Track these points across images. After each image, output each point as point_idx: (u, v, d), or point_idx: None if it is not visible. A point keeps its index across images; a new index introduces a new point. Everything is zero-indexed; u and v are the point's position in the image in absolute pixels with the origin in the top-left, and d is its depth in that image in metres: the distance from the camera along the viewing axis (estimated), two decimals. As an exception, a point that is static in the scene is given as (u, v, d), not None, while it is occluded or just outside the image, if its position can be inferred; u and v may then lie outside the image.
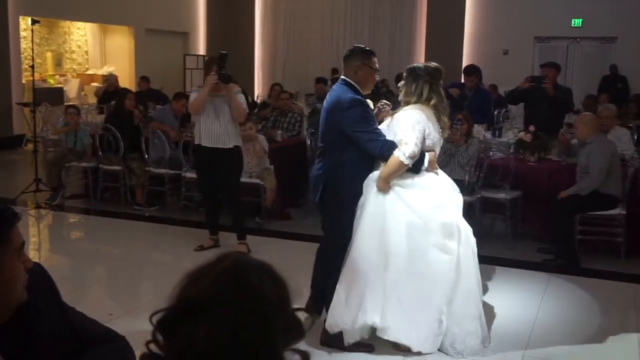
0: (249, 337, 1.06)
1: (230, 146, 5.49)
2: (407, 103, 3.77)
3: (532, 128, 6.50)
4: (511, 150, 6.45)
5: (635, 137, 8.55)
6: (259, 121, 8.20)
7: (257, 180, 6.69)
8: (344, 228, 3.77)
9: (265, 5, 17.43)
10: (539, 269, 5.47)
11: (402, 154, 3.58)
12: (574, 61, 14.80)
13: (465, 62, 13.96)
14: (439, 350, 3.68)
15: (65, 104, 11.25)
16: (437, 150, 3.83)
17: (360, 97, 3.81)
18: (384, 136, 3.74)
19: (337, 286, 3.76)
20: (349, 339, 3.73)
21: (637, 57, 13.83)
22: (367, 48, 4.01)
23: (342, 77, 3.93)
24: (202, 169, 5.71)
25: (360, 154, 3.78)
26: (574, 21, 14.46)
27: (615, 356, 3.94)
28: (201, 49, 16.81)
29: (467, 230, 3.75)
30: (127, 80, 13.97)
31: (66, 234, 7.12)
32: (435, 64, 3.84)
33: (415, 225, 3.60)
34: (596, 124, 5.72)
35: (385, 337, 3.63)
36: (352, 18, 16.55)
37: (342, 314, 3.71)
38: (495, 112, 9.48)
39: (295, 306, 1.18)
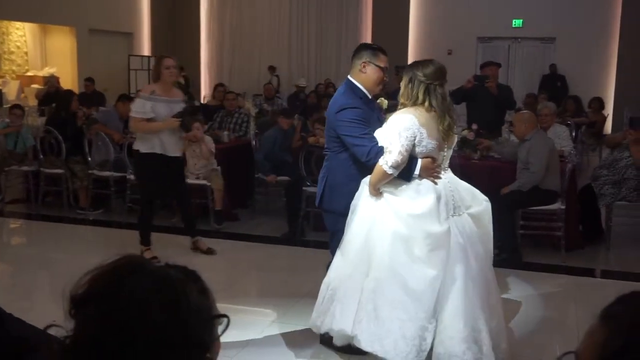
0: (109, 342, 1.03)
1: (181, 153, 5.60)
2: (404, 105, 3.54)
3: (474, 126, 6.64)
4: (455, 148, 6.57)
5: (574, 134, 8.85)
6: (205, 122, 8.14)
7: (204, 182, 6.65)
8: (340, 233, 3.67)
9: (211, 5, 17.30)
10: (483, 264, 5.59)
11: (385, 163, 3.38)
12: (515, 61, 15.20)
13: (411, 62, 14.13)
14: None
15: (6, 106, 10.92)
16: (439, 156, 3.53)
17: (351, 101, 3.66)
18: (375, 141, 3.54)
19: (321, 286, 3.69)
20: (337, 342, 3.67)
21: (576, 57, 14.30)
22: (375, 45, 3.84)
23: (347, 77, 3.81)
24: (158, 178, 5.48)
25: (355, 157, 3.66)
26: (515, 22, 14.85)
27: (557, 345, 4.06)
28: (146, 50, 16.57)
29: (476, 247, 3.48)
30: (69, 81, 13.66)
31: (7, 240, 6.92)
32: (436, 63, 3.54)
33: (400, 235, 3.38)
34: (533, 121, 5.89)
35: (359, 346, 3.47)
36: (298, 19, 16.59)
37: (315, 315, 3.68)
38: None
39: (217, 314, 1.14)
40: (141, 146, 5.33)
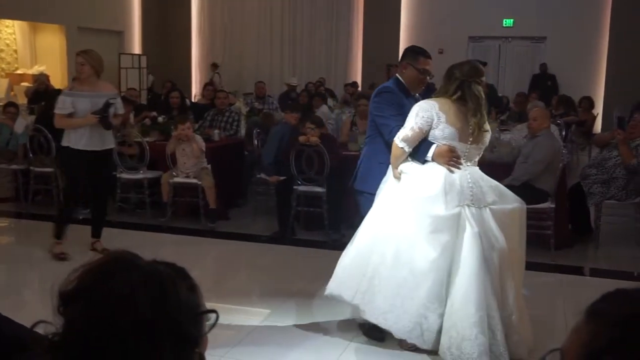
0: (97, 338, 1.03)
1: (113, 145, 5.62)
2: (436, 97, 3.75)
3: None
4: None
5: (564, 133, 8.90)
6: (196, 120, 8.13)
7: (195, 181, 6.64)
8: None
9: (202, 4, 17.26)
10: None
11: (397, 137, 3.63)
12: (506, 60, 15.26)
13: (401, 61, 14.18)
14: (438, 354, 3.55)
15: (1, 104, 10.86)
16: (462, 147, 3.62)
17: (389, 87, 4.00)
18: (401, 123, 3.71)
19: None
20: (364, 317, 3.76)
21: (566, 56, 14.37)
22: (419, 49, 4.14)
23: (396, 74, 4.14)
24: (78, 172, 5.47)
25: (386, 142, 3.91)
26: (505, 21, 14.90)
27: (545, 344, 4.08)
28: (136, 48, 16.52)
29: (494, 240, 3.51)
30: (58, 80, 13.60)
31: (-4, 239, 6.88)
32: (473, 62, 3.81)
33: (406, 215, 3.55)
34: (549, 118, 6.15)
35: (363, 317, 3.68)
36: (289, 18, 16.58)
37: (331, 281, 3.83)
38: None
39: (204, 309, 1.15)
40: (65, 141, 5.42)
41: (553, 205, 5.73)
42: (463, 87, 3.58)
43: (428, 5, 15.26)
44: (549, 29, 14.51)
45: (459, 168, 3.59)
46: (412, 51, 4.11)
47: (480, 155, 3.80)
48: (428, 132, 3.60)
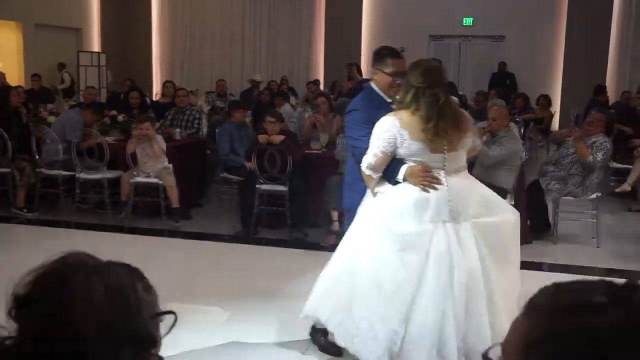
0: (57, 342, 1.02)
1: None
2: (398, 108, 3.47)
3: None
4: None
5: (522, 131, 9.06)
6: (157, 119, 8.04)
7: (156, 180, 6.57)
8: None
9: (162, 0, 17.06)
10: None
11: (363, 163, 3.44)
12: (466, 58, 15.45)
13: (364, 60, 14.26)
14: None
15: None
16: (438, 158, 3.34)
17: (359, 104, 3.76)
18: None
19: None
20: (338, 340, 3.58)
21: (524, 55, 14.63)
22: (386, 49, 3.83)
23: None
24: None
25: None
26: (465, 20, 15.09)
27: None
28: (95, 46, 16.25)
29: (469, 259, 3.26)
30: (15, 78, 13.28)
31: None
32: (426, 64, 3.47)
33: (377, 234, 3.37)
34: (508, 117, 6.18)
35: (334, 340, 3.54)
36: (251, 15, 16.49)
37: (309, 301, 3.68)
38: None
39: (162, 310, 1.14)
40: None
41: (512, 202, 5.81)
42: (417, 97, 3.32)
43: (389, 4, 15.36)
44: (508, 27, 14.75)
45: (435, 189, 3.31)
46: (378, 54, 3.81)
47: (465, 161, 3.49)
48: (394, 151, 3.36)
